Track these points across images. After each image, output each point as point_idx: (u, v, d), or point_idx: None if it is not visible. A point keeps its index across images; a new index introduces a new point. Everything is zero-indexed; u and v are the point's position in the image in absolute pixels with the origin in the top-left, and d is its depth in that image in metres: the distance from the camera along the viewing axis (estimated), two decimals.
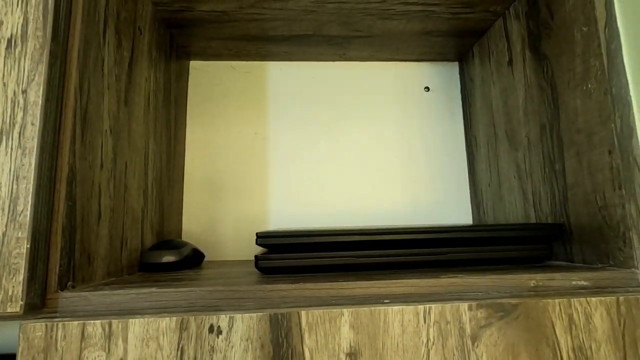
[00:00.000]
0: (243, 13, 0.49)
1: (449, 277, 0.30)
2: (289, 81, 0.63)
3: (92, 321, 0.25)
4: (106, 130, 0.35)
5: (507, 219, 0.51)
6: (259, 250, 0.59)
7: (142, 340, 0.25)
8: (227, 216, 0.58)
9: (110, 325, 0.25)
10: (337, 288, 0.29)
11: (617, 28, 0.35)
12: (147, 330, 0.25)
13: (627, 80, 0.34)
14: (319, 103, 0.63)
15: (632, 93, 0.34)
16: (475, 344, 0.27)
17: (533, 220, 0.45)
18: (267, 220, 0.59)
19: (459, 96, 0.65)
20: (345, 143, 0.62)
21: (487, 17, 0.52)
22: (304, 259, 0.34)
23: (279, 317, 0.26)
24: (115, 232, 0.36)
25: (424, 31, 0.55)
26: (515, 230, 0.37)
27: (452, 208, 0.61)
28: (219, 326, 0.25)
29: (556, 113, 0.41)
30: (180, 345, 0.25)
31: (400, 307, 0.27)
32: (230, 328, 0.25)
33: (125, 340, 0.25)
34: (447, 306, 0.27)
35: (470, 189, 0.62)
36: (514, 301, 0.27)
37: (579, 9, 0.37)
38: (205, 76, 0.62)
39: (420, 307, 0.27)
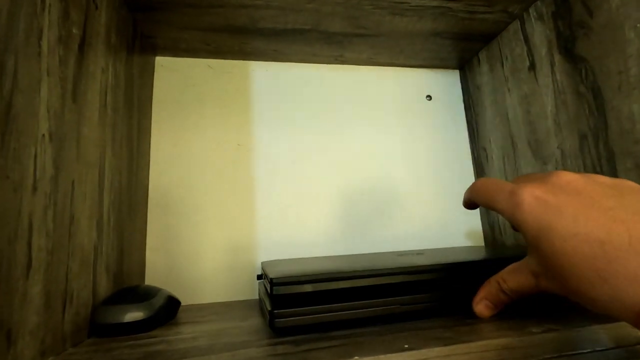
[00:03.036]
0: None
1: (543, 332, 0.22)
2: (278, 85, 0.54)
3: None
4: (44, 135, 0.24)
5: None
6: (247, 287, 0.49)
7: None
8: (204, 247, 0.47)
9: None
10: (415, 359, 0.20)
11: None
12: None
13: None
14: (312, 110, 0.55)
15: None
16: None
17: None
18: (254, 250, 0.48)
19: (462, 107, 0.60)
20: (341, 156, 0.54)
21: (503, 19, 0.47)
22: (340, 312, 0.25)
23: None
24: (55, 287, 0.24)
25: (433, 32, 0.49)
26: None
27: (461, 226, 0.55)
28: None
29: (602, 121, 0.36)
30: None
31: None
32: None
33: None
34: None
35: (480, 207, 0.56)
36: None
37: (630, 4, 0.33)
38: (176, 76, 0.51)
39: None
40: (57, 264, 0.25)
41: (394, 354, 0.20)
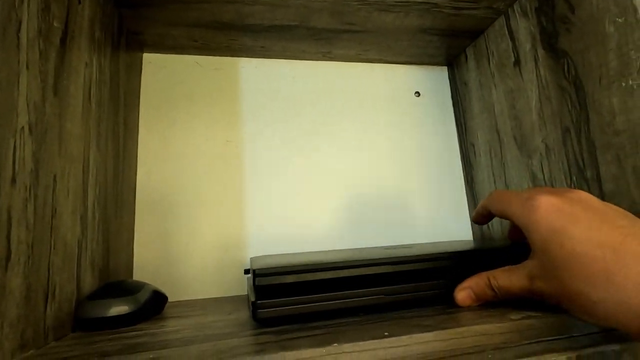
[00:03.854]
0: None
1: (522, 319, 0.23)
2: (266, 81, 0.54)
3: None
4: (23, 128, 0.24)
5: None
6: (236, 283, 0.48)
7: None
8: (193, 243, 0.47)
9: None
10: (389, 347, 0.20)
11: None
12: None
13: None
14: (301, 107, 0.55)
15: None
16: None
17: None
18: (243, 247, 0.48)
19: (450, 103, 0.60)
20: (330, 153, 0.54)
21: (488, 15, 0.48)
22: (324, 302, 0.25)
23: None
24: (36, 280, 0.24)
25: (420, 28, 0.50)
26: None
27: (450, 222, 0.56)
28: None
29: (584, 114, 0.37)
30: None
31: None
32: None
33: None
34: None
35: (468, 201, 0.57)
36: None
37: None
38: (163, 73, 0.51)
39: None
40: (38, 258, 0.25)
41: (373, 341, 0.20)
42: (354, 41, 0.52)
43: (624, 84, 0.33)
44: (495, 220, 0.50)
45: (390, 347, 0.20)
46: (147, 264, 0.45)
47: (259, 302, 0.24)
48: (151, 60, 0.51)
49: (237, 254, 0.48)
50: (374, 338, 0.20)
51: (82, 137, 0.32)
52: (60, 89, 0.28)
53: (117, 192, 0.40)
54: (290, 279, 0.25)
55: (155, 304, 0.33)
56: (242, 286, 0.47)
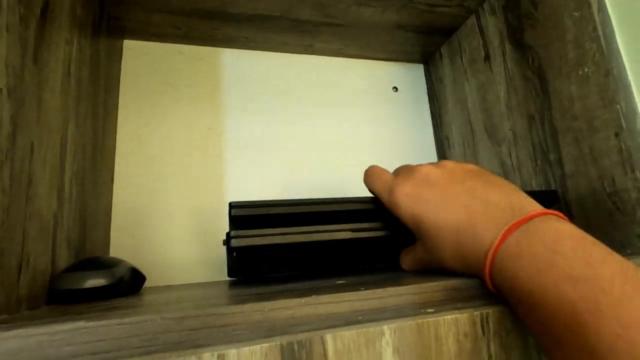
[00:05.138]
0: None
1: None
2: (248, 72, 0.55)
3: None
4: (1, 90, 0.23)
5: None
6: (216, 270, 0.48)
7: None
8: (172, 230, 0.47)
9: None
10: (365, 299, 0.21)
11: (608, 12, 0.34)
12: None
13: (624, 64, 0.34)
14: (282, 99, 0.56)
15: (630, 76, 0.33)
16: (541, 356, 0.21)
17: None
18: (222, 233, 0.48)
19: (426, 98, 0.63)
20: (310, 143, 0.55)
21: (460, 14, 0.51)
22: (294, 234, 0.26)
23: (295, 346, 0.17)
24: (9, 246, 0.24)
25: (397, 24, 0.52)
26: None
27: None
28: None
29: (547, 102, 0.40)
30: None
31: (453, 315, 0.20)
32: None
33: None
34: (506, 308, 0.21)
35: None
36: None
37: None
38: (144, 59, 0.51)
39: (477, 314, 0.20)
40: (13, 224, 0.24)
41: (350, 293, 0.21)
42: (335, 35, 0.54)
43: (580, 72, 0.36)
44: None
45: (366, 299, 0.21)
46: (124, 249, 0.44)
47: (232, 232, 0.25)
48: (132, 47, 0.51)
49: (216, 240, 0.48)
50: (350, 291, 0.21)
51: (61, 111, 0.32)
52: (40, 59, 0.28)
53: (96, 173, 0.40)
54: (262, 210, 0.25)
55: (132, 282, 0.33)
56: (222, 272, 0.47)
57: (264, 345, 0.17)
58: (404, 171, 0.28)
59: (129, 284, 0.32)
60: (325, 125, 0.57)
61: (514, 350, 0.20)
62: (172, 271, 0.45)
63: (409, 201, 0.26)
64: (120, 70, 0.49)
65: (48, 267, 0.29)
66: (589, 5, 0.35)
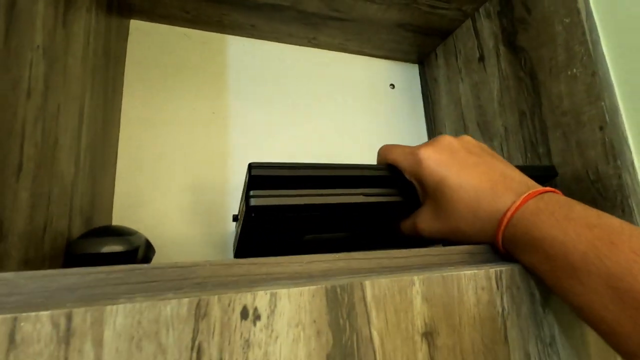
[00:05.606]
0: None
1: None
2: (253, 60, 0.56)
3: (31, 313, 0.14)
4: (38, 47, 0.24)
5: None
6: (217, 248, 0.48)
7: (129, 340, 0.15)
8: (175, 213, 0.47)
9: (69, 318, 0.14)
10: (393, 257, 0.23)
11: (594, 19, 0.38)
12: (138, 323, 0.15)
13: (607, 66, 0.37)
14: (285, 88, 0.57)
15: (613, 77, 0.37)
16: (546, 310, 0.24)
17: None
18: (226, 216, 0.49)
19: (420, 96, 0.66)
20: (309, 133, 0.57)
21: (457, 17, 0.54)
22: (312, 196, 0.27)
23: (337, 290, 0.19)
24: (39, 202, 0.24)
25: (398, 23, 0.55)
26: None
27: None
28: (255, 308, 0.17)
29: (537, 100, 0.43)
30: (197, 343, 0.16)
31: (472, 271, 0.22)
32: (272, 310, 0.17)
33: (98, 343, 0.14)
34: (517, 268, 0.23)
35: None
36: None
37: (559, 3, 0.41)
38: (149, 40, 0.51)
39: (492, 271, 0.22)
40: (42, 180, 0.24)
41: (379, 251, 0.22)
42: (339, 29, 0.56)
43: (569, 73, 0.39)
44: None
45: (394, 257, 0.23)
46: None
47: (252, 192, 0.25)
48: (138, 28, 0.51)
49: (221, 224, 0.48)
50: (380, 250, 0.23)
51: (80, 79, 0.32)
52: (68, 22, 0.29)
53: (104, 149, 0.40)
54: (282, 172, 0.26)
55: (146, 252, 0.33)
56: (224, 253, 0.47)
57: (311, 287, 0.18)
58: (427, 142, 0.30)
59: (144, 253, 0.32)
60: (324, 117, 0.58)
61: (523, 304, 0.23)
62: (173, 251, 0.45)
63: (432, 163, 0.27)
64: (126, 49, 0.49)
65: (66, 230, 0.29)
66: (579, 12, 0.39)
